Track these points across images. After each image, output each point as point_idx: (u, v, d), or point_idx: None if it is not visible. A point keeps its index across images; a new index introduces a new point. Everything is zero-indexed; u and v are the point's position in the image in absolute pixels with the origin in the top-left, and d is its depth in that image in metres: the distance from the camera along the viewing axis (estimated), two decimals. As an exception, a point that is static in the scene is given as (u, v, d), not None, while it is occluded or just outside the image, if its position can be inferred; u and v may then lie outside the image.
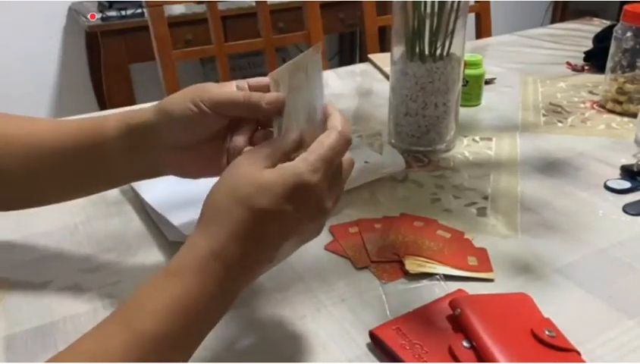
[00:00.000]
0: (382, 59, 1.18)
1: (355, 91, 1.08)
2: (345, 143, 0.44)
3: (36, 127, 0.54)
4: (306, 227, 0.44)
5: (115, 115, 0.52)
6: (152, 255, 0.60)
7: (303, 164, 0.41)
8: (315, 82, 0.47)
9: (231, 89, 0.49)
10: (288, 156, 0.44)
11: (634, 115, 0.90)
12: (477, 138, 0.87)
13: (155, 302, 0.38)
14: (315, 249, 0.60)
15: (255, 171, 0.41)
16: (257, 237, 0.41)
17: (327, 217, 0.44)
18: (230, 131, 0.49)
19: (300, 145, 0.45)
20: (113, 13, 2.09)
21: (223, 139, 0.50)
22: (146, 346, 0.37)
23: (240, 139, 0.48)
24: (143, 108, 0.51)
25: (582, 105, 0.99)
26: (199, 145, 0.50)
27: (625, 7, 0.91)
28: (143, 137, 0.51)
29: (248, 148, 0.47)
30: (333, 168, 0.43)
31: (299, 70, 0.46)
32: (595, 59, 1.15)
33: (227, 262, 0.40)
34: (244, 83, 0.50)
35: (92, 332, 0.38)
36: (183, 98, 0.49)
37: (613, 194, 0.71)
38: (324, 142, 0.43)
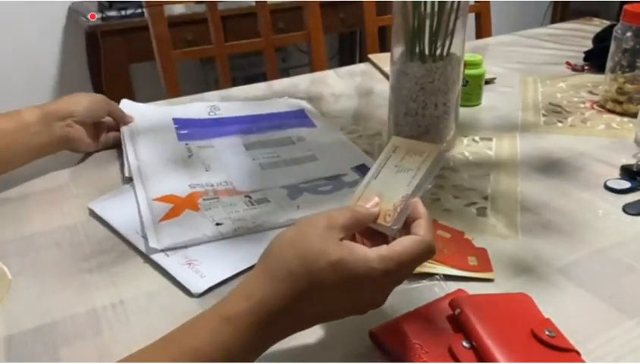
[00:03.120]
0: (382, 59, 1.18)
1: (355, 91, 1.08)
2: (426, 257, 0.44)
3: None
4: (353, 310, 0.45)
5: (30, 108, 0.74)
6: (151, 256, 0.60)
7: (379, 262, 0.42)
8: (425, 177, 0.47)
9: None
10: (363, 227, 0.46)
11: (634, 115, 0.90)
12: (477, 138, 0.87)
13: (203, 343, 0.39)
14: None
15: (330, 245, 0.42)
16: (310, 307, 0.42)
17: (376, 308, 0.45)
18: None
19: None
20: (113, 13, 2.09)
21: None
22: None
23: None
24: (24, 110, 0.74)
25: (582, 105, 0.99)
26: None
27: (625, 7, 0.91)
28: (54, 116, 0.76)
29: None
30: (403, 273, 0.44)
31: (412, 153, 0.48)
32: (595, 59, 1.15)
33: (278, 321, 0.41)
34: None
35: (136, 357, 0.39)
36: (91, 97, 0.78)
37: (613, 194, 0.71)
38: (408, 248, 0.43)
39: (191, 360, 0.39)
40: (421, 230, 0.44)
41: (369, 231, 0.47)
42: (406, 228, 0.46)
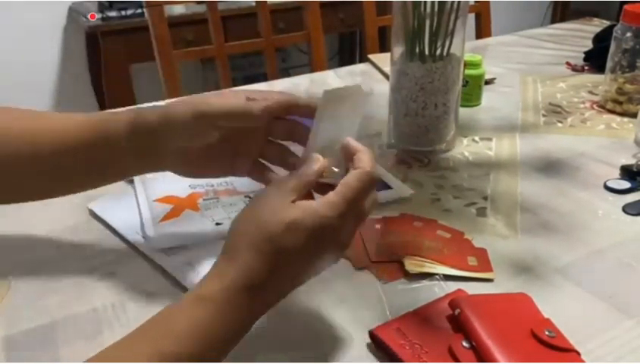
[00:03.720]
0: (382, 59, 1.18)
1: (355, 91, 1.08)
2: (371, 185, 0.45)
3: (43, 121, 0.54)
4: (326, 260, 0.46)
5: (124, 113, 0.53)
6: (152, 256, 0.60)
7: (330, 208, 0.43)
8: (353, 119, 0.49)
9: (233, 100, 0.50)
10: (312, 185, 0.46)
11: (634, 115, 0.90)
12: (477, 138, 0.87)
13: (182, 325, 0.40)
14: (315, 249, 0.60)
15: (283, 209, 0.43)
16: (281, 272, 0.43)
17: (346, 249, 0.46)
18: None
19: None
20: (113, 13, 2.09)
21: (228, 142, 0.52)
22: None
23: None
24: (150, 110, 0.52)
25: (582, 105, 0.99)
26: (201, 151, 0.52)
27: (625, 7, 0.91)
28: (147, 139, 0.51)
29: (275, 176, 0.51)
30: (357, 209, 0.45)
31: (342, 101, 0.48)
32: (595, 59, 1.14)
33: (253, 295, 0.42)
34: (256, 93, 0.51)
35: (118, 346, 0.39)
36: (184, 109, 0.50)
37: (613, 194, 0.71)
38: (351, 185, 0.44)
39: (170, 344, 0.39)
40: (361, 162, 0.45)
41: (323, 187, 0.47)
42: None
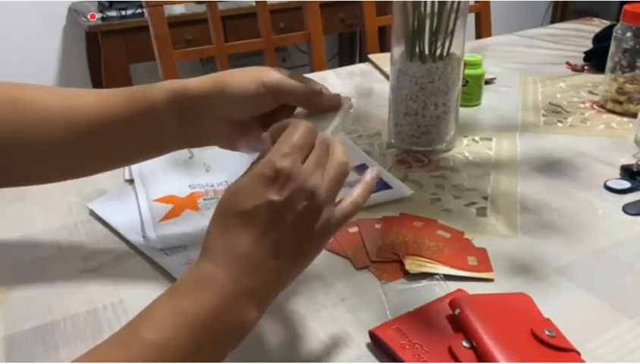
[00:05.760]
0: (382, 59, 1.18)
1: (355, 91, 1.08)
2: (311, 134, 0.44)
3: (80, 98, 0.54)
4: (306, 222, 0.42)
5: (162, 85, 0.53)
6: (152, 256, 0.60)
7: (271, 154, 0.42)
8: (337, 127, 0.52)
9: (289, 78, 0.52)
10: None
11: (634, 115, 0.90)
12: (477, 138, 0.87)
13: (162, 313, 0.39)
14: (315, 249, 0.60)
15: (241, 178, 0.43)
16: (253, 241, 0.40)
17: (323, 201, 0.42)
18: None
19: None
20: (113, 13, 2.09)
21: (267, 117, 0.53)
22: (152, 354, 0.37)
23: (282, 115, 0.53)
24: (194, 80, 0.53)
25: (582, 105, 0.99)
26: (247, 121, 0.53)
27: (625, 7, 0.91)
28: (194, 108, 0.52)
29: None
30: (307, 153, 0.43)
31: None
32: (595, 59, 1.14)
33: (227, 273, 0.40)
34: (298, 75, 0.53)
35: (107, 339, 0.39)
36: (247, 78, 0.51)
37: (613, 194, 0.71)
38: (292, 131, 0.43)
39: (149, 331, 0.38)
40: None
41: None
42: None
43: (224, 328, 0.40)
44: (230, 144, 0.56)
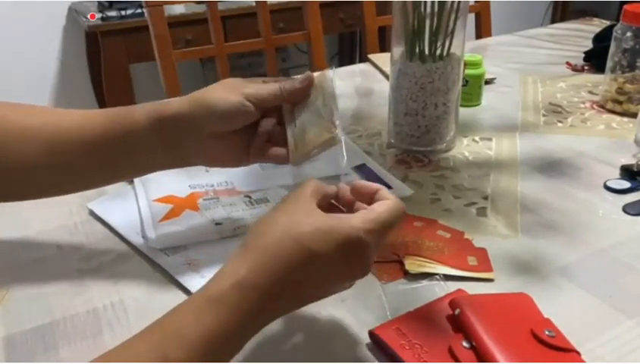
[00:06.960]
0: (382, 59, 1.18)
1: (355, 91, 1.08)
2: (402, 215, 0.45)
3: (61, 117, 0.54)
4: (343, 283, 0.44)
5: (143, 106, 0.53)
6: (152, 256, 0.60)
7: (364, 223, 0.42)
8: (329, 100, 0.54)
9: (264, 84, 0.54)
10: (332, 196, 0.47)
11: (634, 115, 0.90)
12: (477, 138, 0.87)
13: (191, 331, 0.38)
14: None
15: (314, 212, 0.42)
16: (300, 278, 0.41)
17: (366, 274, 0.44)
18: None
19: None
20: (113, 13, 2.09)
21: (250, 130, 0.54)
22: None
23: (267, 123, 0.55)
24: (172, 100, 0.53)
25: (582, 105, 0.99)
26: (230, 135, 0.53)
27: (625, 7, 0.91)
28: (176, 129, 0.52)
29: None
30: (385, 234, 0.44)
31: (314, 88, 0.54)
32: (595, 59, 1.14)
33: (266, 297, 0.40)
34: (269, 79, 0.55)
35: (123, 348, 0.38)
36: (224, 91, 0.52)
37: (613, 194, 0.71)
38: (390, 207, 0.44)
39: (177, 350, 0.37)
40: (386, 194, 0.46)
41: (332, 207, 0.47)
42: (367, 203, 0.46)
43: (248, 338, 0.41)
44: (216, 161, 0.57)
